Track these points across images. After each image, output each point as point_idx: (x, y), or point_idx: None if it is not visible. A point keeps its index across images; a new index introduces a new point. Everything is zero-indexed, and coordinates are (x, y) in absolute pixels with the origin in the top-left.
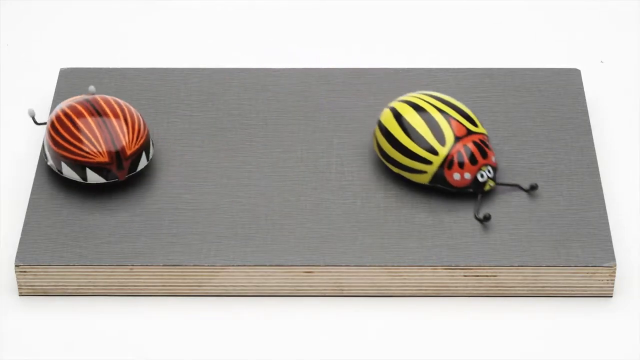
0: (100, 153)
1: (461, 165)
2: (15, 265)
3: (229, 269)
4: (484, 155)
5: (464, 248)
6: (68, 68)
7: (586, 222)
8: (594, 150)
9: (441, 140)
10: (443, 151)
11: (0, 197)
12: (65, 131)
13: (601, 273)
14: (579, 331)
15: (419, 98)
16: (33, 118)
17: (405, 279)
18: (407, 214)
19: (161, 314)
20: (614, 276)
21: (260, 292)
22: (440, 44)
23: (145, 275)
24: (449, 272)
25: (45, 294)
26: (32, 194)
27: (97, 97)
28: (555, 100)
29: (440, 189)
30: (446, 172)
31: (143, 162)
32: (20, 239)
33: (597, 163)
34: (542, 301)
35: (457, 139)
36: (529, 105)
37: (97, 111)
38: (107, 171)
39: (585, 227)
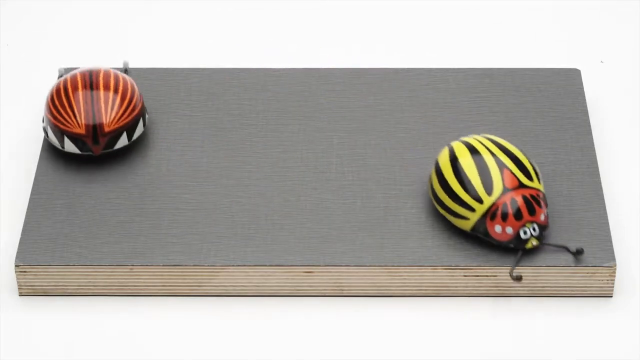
0: (78, 124)
1: (504, 217)
2: (15, 265)
3: (229, 269)
4: (532, 211)
5: (464, 248)
6: (68, 68)
7: (586, 222)
8: (594, 150)
9: (489, 189)
10: (488, 200)
11: (0, 197)
12: (57, 98)
13: (601, 273)
14: (579, 331)
15: (478, 141)
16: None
17: (405, 279)
18: (407, 214)
19: (161, 314)
20: (614, 276)
21: (260, 292)
22: (440, 44)
23: (145, 275)
24: (449, 272)
25: (45, 294)
26: (32, 194)
27: (102, 70)
28: (555, 100)
29: (481, 239)
30: (488, 223)
31: (123, 142)
32: (20, 239)
33: (597, 163)
34: (542, 301)
35: (506, 190)
36: (529, 105)
37: (91, 84)
38: (82, 143)
39: (585, 227)
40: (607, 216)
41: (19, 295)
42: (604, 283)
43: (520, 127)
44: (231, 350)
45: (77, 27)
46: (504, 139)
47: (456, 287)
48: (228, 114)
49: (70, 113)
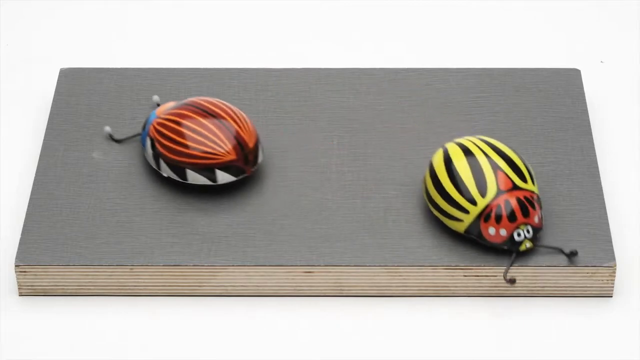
0: (227, 152)
1: (498, 219)
2: (15, 265)
3: (229, 269)
4: (526, 213)
5: (464, 248)
6: (68, 68)
7: (586, 222)
8: (594, 150)
9: (483, 191)
10: (482, 202)
11: (1, 197)
12: (182, 137)
13: (601, 273)
14: (579, 331)
15: (472, 142)
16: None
17: (405, 279)
18: (407, 214)
19: (161, 314)
20: (614, 276)
21: (260, 292)
22: (440, 44)
23: (145, 275)
24: (449, 272)
25: (45, 294)
26: (32, 194)
27: (198, 99)
28: (555, 100)
29: (475, 241)
30: (482, 225)
31: (261, 155)
32: (20, 239)
33: (597, 163)
34: (542, 301)
35: (500, 192)
36: (529, 105)
37: (207, 112)
38: (235, 169)
39: (585, 227)
40: (607, 216)
41: (19, 295)
42: (604, 283)
43: (520, 127)
44: (231, 350)
45: (77, 27)
46: (502, 139)
47: (456, 287)
48: None
49: (214, 145)
